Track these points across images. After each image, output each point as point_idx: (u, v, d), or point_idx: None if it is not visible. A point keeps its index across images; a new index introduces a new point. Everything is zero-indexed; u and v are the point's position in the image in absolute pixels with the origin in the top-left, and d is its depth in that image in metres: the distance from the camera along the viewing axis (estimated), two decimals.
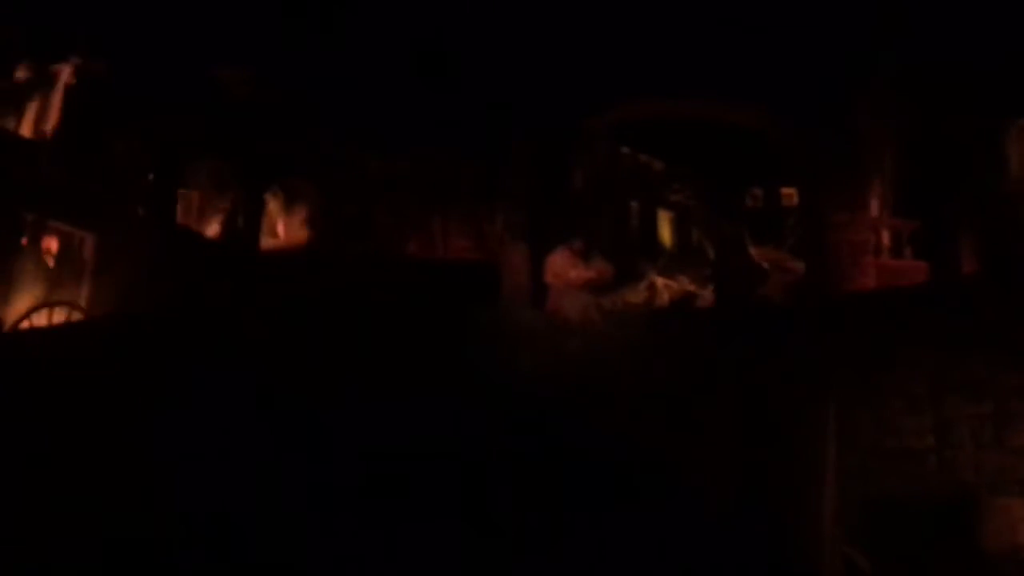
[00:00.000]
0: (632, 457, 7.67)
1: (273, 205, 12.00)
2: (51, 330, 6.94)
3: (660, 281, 14.41)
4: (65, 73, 9.40)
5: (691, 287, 14.14)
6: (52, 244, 8.67)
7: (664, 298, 13.51)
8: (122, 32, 10.30)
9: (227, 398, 6.94)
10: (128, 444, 5.55)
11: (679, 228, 16.89)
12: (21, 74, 9.72)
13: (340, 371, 7.83)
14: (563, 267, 8.33)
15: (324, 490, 7.01)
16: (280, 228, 11.99)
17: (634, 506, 7.27)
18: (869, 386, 7.21)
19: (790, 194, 17.80)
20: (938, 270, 9.90)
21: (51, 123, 9.02)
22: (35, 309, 7.66)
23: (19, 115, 9.58)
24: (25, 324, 7.43)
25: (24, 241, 8.59)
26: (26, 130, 9.55)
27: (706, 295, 12.89)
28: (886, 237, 10.68)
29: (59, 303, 7.59)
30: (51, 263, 8.57)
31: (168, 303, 7.73)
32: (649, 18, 10.27)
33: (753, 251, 13.70)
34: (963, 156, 10.38)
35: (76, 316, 7.66)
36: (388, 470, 7.39)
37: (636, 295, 13.02)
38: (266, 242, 11.38)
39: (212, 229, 11.12)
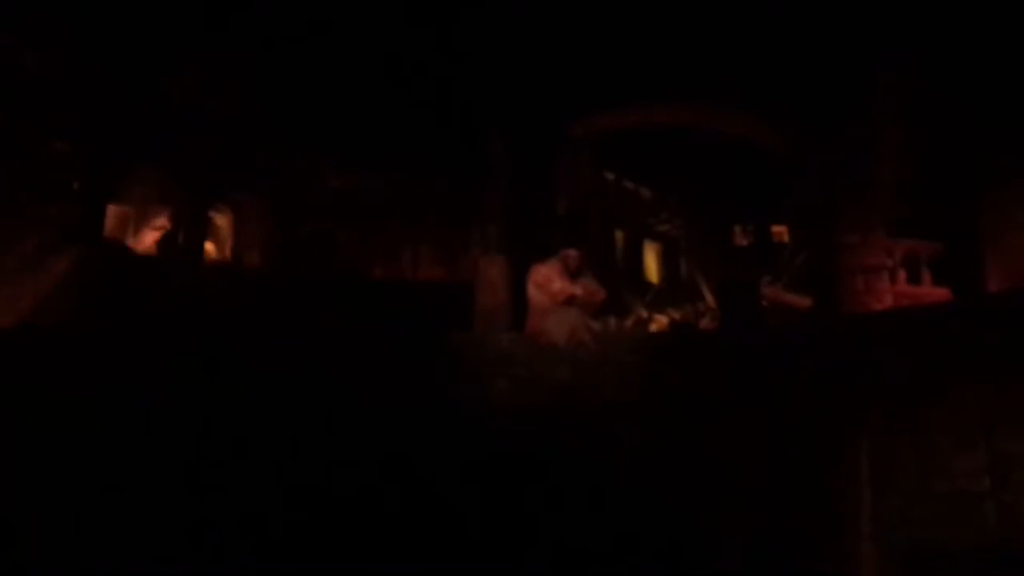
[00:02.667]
0: (630, 506, 6.68)
1: (220, 224, 10.94)
2: None
3: (647, 316, 13.50)
4: None
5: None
6: None
7: None
8: (53, 24, 9.27)
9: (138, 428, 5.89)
10: None
11: (667, 261, 16.05)
12: None
13: (282, 402, 6.80)
14: (548, 276, 7.34)
15: (256, 536, 6.01)
16: (228, 249, 10.91)
17: (635, 567, 6.25)
18: (910, 419, 6.22)
19: (780, 232, 17.18)
20: (962, 297, 9.01)
21: None
22: None
23: None
24: None
25: None
26: None
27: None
28: (901, 261, 9.77)
29: None
30: None
31: (78, 321, 6.63)
32: (641, 15, 9.46)
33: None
34: (987, 170, 9.59)
35: None
36: (337, 516, 6.35)
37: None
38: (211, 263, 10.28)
39: (147, 247, 10.02)
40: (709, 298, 14.17)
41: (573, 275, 7.53)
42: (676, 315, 13.40)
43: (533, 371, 7.05)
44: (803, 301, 12.04)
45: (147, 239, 10.08)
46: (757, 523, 6.46)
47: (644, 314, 13.50)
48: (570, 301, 7.35)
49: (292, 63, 10.84)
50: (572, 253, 7.55)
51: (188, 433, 6.27)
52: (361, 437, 6.73)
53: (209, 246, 10.88)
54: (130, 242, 9.99)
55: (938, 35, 9.70)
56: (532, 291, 7.56)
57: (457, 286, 9.25)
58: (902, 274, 9.79)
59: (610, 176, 15.20)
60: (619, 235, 15.10)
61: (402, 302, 8.76)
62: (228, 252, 10.96)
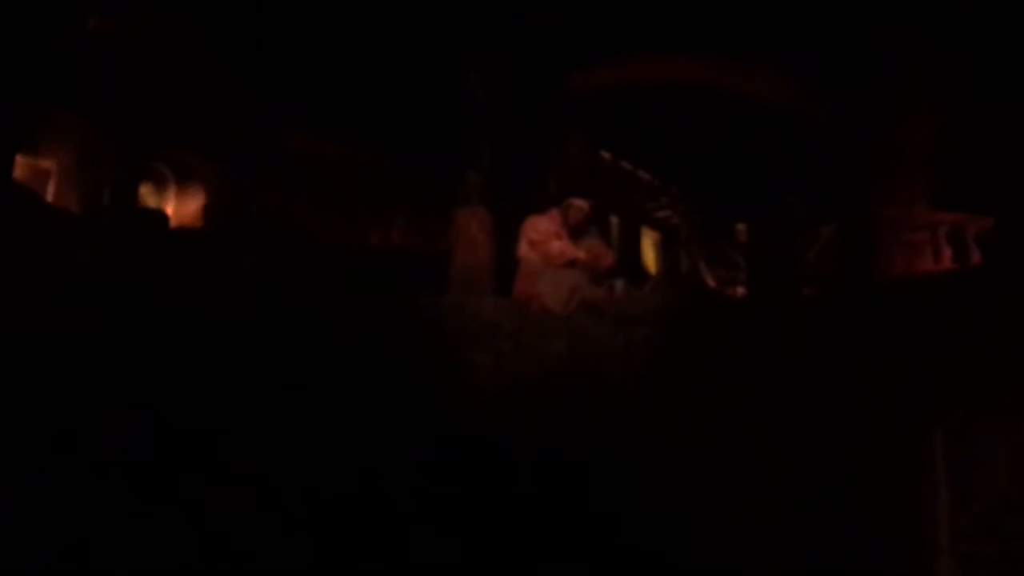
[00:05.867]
0: (640, 513, 5.51)
1: (158, 187, 9.71)
2: None
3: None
4: None
5: None
6: None
7: None
8: None
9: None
10: None
11: (666, 250, 14.93)
12: None
13: (218, 379, 5.60)
14: (545, 233, 6.18)
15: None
16: (168, 214, 9.67)
17: None
18: (994, 407, 5.07)
19: None
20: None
21: None
22: None
23: None
24: None
25: None
26: None
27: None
28: (946, 237, 8.69)
29: None
30: None
31: None
32: None
33: None
34: None
35: None
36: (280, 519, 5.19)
37: None
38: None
39: (73, 207, 8.75)
40: None
41: (575, 232, 6.38)
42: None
43: (522, 343, 5.88)
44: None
45: (74, 201, 8.82)
46: (803, 535, 5.28)
47: None
48: (571, 266, 6.19)
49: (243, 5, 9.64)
50: (578, 203, 6.41)
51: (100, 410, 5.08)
52: (302, 425, 5.50)
53: None
54: (50, 200, 8.72)
55: None
56: (524, 249, 6.38)
57: (435, 253, 8.02)
58: (947, 252, 8.73)
59: (606, 156, 14.09)
60: (614, 220, 13.93)
61: (363, 267, 7.55)
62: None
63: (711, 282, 13.37)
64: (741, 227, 16.77)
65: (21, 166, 8.53)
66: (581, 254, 6.29)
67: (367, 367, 5.67)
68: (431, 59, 8.71)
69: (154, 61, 9.77)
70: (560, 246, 6.22)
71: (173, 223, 9.63)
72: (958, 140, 8.92)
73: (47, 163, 9.03)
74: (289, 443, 5.41)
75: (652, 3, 8.34)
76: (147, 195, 9.63)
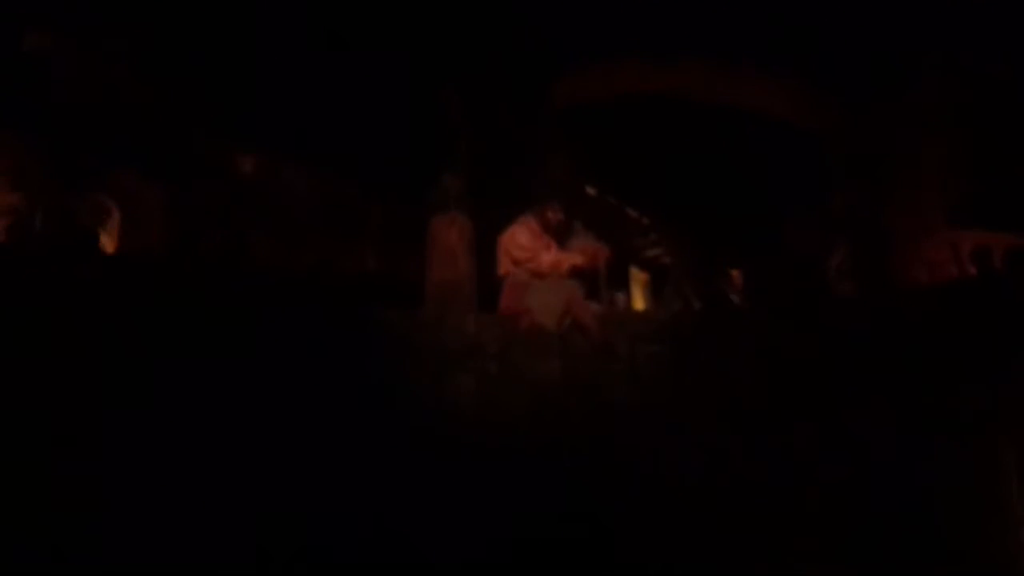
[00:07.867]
0: (641, 558, 4.78)
1: (100, 215, 8.97)
2: None
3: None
4: None
5: None
6: None
7: None
8: None
9: None
10: None
11: (656, 292, 14.27)
12: None
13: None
14: (531, 248, 5.57)
15: None
16: (110, 246, 8.92)
17: None
18: None
19: None
20: None
21: None
22: None
23: None
24: None
25: None
26: None
27: None
28: (970, 256, 8.13)
29: None
30: None
31: None
32: None
33: None
34: None
35: None
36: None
37: None
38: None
39: None
40: None
41: (559, 238, 5.75)
42: None
43: (509, 364, 5.18)
44: None
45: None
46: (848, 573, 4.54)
47: None
48: (572, 274, 5.54)
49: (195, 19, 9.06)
50: (553, 206, 5.80)
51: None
52: (262, 460, 4.73)
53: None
54: None
55: None
56: (507, 266, 5.73)
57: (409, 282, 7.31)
58: (972, 271, 8.16)
59: (591, 191, 13.52)
60: None
61: (330, 298, 6.82)
62: (110, 251, 8.96)
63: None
64: (736, 272, 16.21)
65: None
66: (578, 259, 5.66)
67: (330, 393, 4.91)
68: (401, 64, 8.11)
69: (97, 79, 9.16)
70: (552, 258, 5.59)
71: (117, 252, 8.91)
72: (976, 154, 8.46)
73: None
74: (249, 476, 4.64)
75: (642, 12, 7.85)
76: (87, 224, 8.90)
